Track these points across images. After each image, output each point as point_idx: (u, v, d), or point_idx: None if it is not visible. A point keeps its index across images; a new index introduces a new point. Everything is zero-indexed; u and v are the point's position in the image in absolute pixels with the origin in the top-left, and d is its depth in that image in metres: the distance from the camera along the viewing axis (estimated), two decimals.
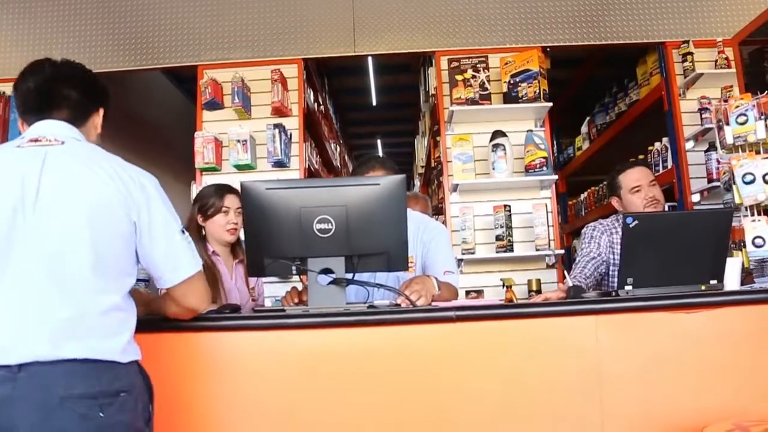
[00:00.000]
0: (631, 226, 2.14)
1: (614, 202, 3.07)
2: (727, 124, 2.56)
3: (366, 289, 2.11)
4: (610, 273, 2.92)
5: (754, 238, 2.40)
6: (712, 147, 4.11)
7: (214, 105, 4.38)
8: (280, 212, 2.00)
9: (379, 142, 10.70)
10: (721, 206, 3.03)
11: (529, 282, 4.04)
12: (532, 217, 4.18)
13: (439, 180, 4.91)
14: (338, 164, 7.41)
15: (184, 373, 1.81)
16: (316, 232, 1.98)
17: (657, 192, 2.92)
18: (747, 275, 2.48)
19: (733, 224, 2.37)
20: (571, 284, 2.34)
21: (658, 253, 2.18)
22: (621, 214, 2.98)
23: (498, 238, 4.14)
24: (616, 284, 2.82)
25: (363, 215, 2.01)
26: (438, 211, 5.17)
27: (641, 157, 4.69)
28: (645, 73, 5.08)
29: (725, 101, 2.62)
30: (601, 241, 2.93)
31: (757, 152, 2.51)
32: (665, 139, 4.59)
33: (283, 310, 2.01)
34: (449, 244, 2.78)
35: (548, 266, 4.25)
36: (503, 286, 4.02)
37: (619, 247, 2.87)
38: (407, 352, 1.83)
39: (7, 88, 4.42)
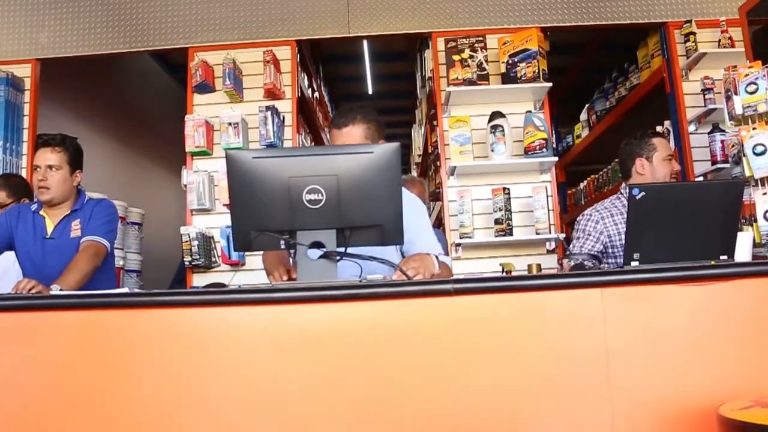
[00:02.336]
0: (637, 197, 2.02)
1: (639, 163, 2.90)
2: (736, 93, 2.45)
3: (358, 264, 1.99)
4: (610, 253, 2.83)
5: (766, 212, 2.30)
6: (715, 129, 4.02)
7: (205, 88, 4.27)
8: (268, 182, 1.89)
9: None
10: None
11: (530, 267, 3.93)
12: (532, 200, 4.08)
13: (437, 165, 4.80)
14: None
15: (165, 350, 1.70)
16: (306, 203, 1.87)
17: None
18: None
19: (744, 199, 2.27)
20: (572, 263, 2.24)
21: (665, 227, 2.08)
22: (624, 189, 2.89)
23: (497, 222, 4.04)
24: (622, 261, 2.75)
25: (355, 185, 1.89)
26: (435, 197, 5.06)
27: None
28: (646, 55, 4.98)
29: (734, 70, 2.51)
30: (600, 225, 2.85)
31: (767, 123, 2.41)
32: (667, 123, 4.50)
33: (272, 285, 1.90)
34: (429, 222, 2.65)
35: (549, 251, 4.14)
36: (503, 271, 3.92)
37: (620, 226, 2.78)
38: (403, 327, 1.72)
39: None
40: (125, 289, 2.07)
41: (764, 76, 2.39)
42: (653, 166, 2.88)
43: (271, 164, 1.90)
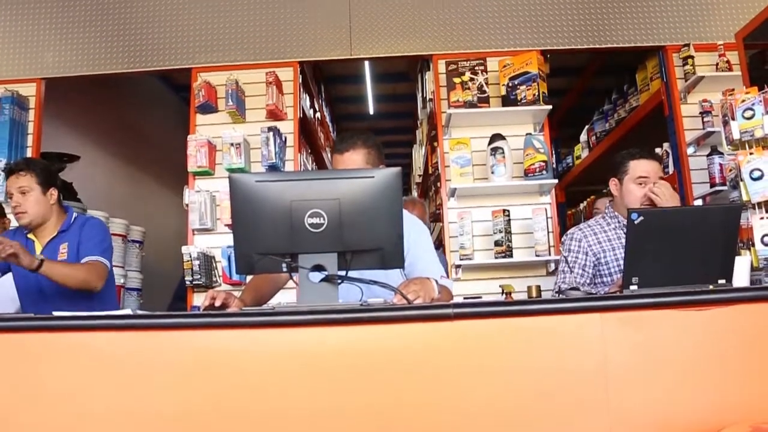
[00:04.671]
0: (636, 222, 2.05)
1: (612, 184, 2.82)
2: (733, 119, 2.48)
3: (359, 287, 2.01)
4: (602, 272, 2.81)
5: (763, 236, 2.32)
6: (714, 151, 4.05)
7: (208, 108, 4.31)
8: (270, 206, 1.91)
9: None
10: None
11: (529, 289, 3.91)
12: (532, 222, 4.10)
13: (437, 186, 4.83)
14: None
15: (163, 372, 1.71)
16: (308, 226, 1.88)
17: (658, 191, 2.70)
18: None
19: (741, 223, 2.29)
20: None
21: (664, 251, 2.09)
22: (608, 208, 2.87)
23: (497, 243, 4.05)
24: (609, 280, 2.74)
25: (356, 209, 1.91)
26: (436, 218, 5.08)
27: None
28: (645, 78, 5.03)
29: (731, 96, 2.54)
30: (584, 243, 2.80)
31: (764, 147, 2.43)
32: (666, 145, 4.53)
33: (273, 308, 1.91)
34: (431, 243, 2.67)
35: (548, 273, 4.15)
36: (502, 293, 3.92)
37: (604, 244, 2.77)
38: (403, 351, 1.73)
39: None
40: (127, 311, 2.07)
41: (761, 101, 2.42)
42: (623, 188, 2.77)
43: (273, 188, 1.92)
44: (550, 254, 4.04)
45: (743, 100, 2.44)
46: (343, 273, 1.92)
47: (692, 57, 4.31)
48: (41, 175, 2.99)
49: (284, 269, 1.95)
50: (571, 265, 2.79)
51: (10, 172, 2.98)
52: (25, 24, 4.59)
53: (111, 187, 6.17)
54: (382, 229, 1.95)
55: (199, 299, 4.13)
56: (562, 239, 2.95)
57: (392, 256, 1.97)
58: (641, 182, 2.71)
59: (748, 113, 2.42)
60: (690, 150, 4.30)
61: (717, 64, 4.28)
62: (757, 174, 2.35)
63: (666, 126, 4.50)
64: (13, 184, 2.95)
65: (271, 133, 4.14)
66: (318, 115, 6.01)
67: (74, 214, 3.10)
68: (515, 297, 3.91)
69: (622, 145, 5.48)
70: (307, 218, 1.88)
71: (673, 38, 4.49)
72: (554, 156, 6.91)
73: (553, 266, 4.12)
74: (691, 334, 1.76)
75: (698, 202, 4.11)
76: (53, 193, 3.03)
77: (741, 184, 2.42)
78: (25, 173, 2.96)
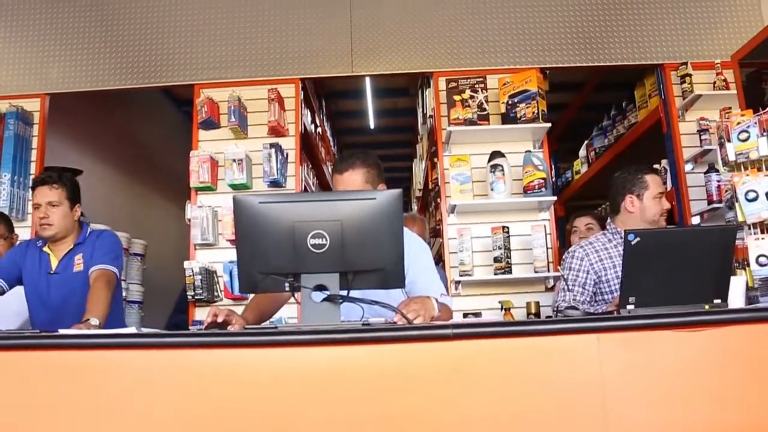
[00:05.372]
0: (633, 243, 2.08)
1: (629, 200, 2.86)
2: (729, 141, 2.52)
3: (360, 307, 2.04)
4: (603, 290, 2.84)
5: (758, 256, 2.35)
6: (711, 168, 4.08)
7: (210, 124, 4.35)
8: (274, 227, 1.95)
9: None
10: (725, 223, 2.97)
11: (528, 305, 3.96)
12: (531, 238, 4.14)
13: (437, 202, 4.87)
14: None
15: (166, 390, 1.74)
16: (310, 247, 1.92)
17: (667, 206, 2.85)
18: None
19: (737, 243, 2.33)
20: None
21: (660, 271, 2.13)
22: (610, 226, 2.91)
23: (496, 260, 4.09)
24: (610, 297, 2.78)
25: (358, 230, 1.95)
26: (436, 233, 5.12)
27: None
28: (643, 95, 5.08)
29: (727, 118, 2.58)
30: (587, 266, 2.84)
31: (759, 169, 2.48)
32: (664, 161, 4.57)
33: (275, 327, 1.95)
34: (432, 261, 2.71)
35: (547, 289, 4.19)
36: (501, 308, 3.95)
37: (605, 262, 2.80)
38: (404, 370, 1.76)
39: (3, 105, 4.41)
40: (132, 329, 2.11)
41: (755, 123, 2.47)
42: (643, 205, 2.84)
43: (277, 209, 1.96)
44: (548, 270, 4.08)
45: (739, 123, 2.49)
46: (344, 293, 1.95)
47: (690, 75, 4.35)
48: (71, 191, 3.06)
49: (287, 288, 1.99)
50: (570, 284, 2.82)
51: (41, 182, 3.02)
52: (30, 40, 4.64)
53: (112, 200, 6.20)
54: (383, 250, 1.99)
55: (200, 314, 4.15)
56: (563, 257, 2.98)
57: (393, 276, 2.01)
58: (660, 196, 2.83)
59: (744, 135, 2.47)
60: (688, 167, 4.34)
61: (714, 83, 4.33)
62: (752, 195, 2.39)
63: (664, 143, 4.55)
64: (43, 196, 2.98)
65: (273, 150, 4.19)
66: (319, 129, 6.06)
67: (89, 229, 3.16)
68: (514, 312, 3.94)
69: (621, 161, 5.53)
70: (309, 239, 1.92)
71: (670, 56, 4.54)
72: (554, 170, 6.97)
73: (552, 282, 4.15)
74: (687, 354, 1.79)
75: (696, 219, 4.14)
76: (77, 209, 3.10)
77: (737, 204, 2.46)
78: (58, 187, 3.00)
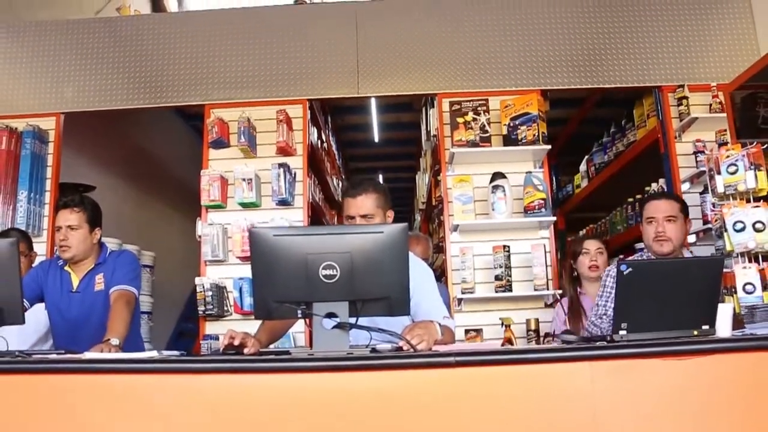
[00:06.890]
0: (625, 273, 2.20)
1: (641, 227, 3.10)
2: (719, 173, 2.65)
3: (369, 333, 2.17)
4: None
5: (745, 284, 2.47)
6: (707, 190, 4.19)
7: (221, 144, 4.48)
8: (287, 258, 2.08)
9: (380, 177, 10.83)
10: (715, 250, 3.09)
11: (528, 321, 4.09)
12: (531, 257, 4.26)
13: (440, 219, 4.99)
14: (340, 199, 7.50)
15: (177, 415, 1.85)
16: (322, 277, 2.06)
17: (671, 228, 2.90)
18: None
19: (725, 268, 2.45)
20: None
21: (651, 299, 2.24)
22: (644, 250, 3.08)
23: (497, 277, 4.21)
24: None
25: (366, 262, 2.08)
26: (439, 250, 5.24)
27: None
28: (642, 114, 5.19)
29: (720, 146, 2.70)
30: None
31: (747, 200, 2.60)
32: (662, 180, 4.68)
33: (288, 353, 2.08)
34: (435, 285, 2.84)
35: (546, 305, 4.30)
36: (502, 325, 4.06)
37: None
38: (409, 395, 1.88)
39: (21, 125, 4.55)
40: (153, 353, 2.23)
41: (744, 157, 2.59)
42: (643, 229, 3.04)
43: (290, 242, 2.10)
44: (548, 288, 4.20)
45: (728, 156, 2.61)
46: (353, 320, 2.09)
47: (686, 98, 4.47)
48: (91, 215, 3.18)
49: (299, 315, 2.12)
50: (604, 300, 3.01)
51: (64, 206, 3.15)
52: (46, 61, 4.78)
53: (122, 214, 6.33)
54: (389, 280, 2.13)
55: (211, 328, 4.28)
56: (605, 273, 3.17)
57: (399, 303, 2.15)
58: (650, 221, 2.97)
59: (732, 168, 2.59)
60: (684, 187, 4.44)
61: (710, 105, 4.44)
62: (739, 226, 2.51)
63: (662, 162, 4.66)
64: (65, 219, 3.11)
65: (282, 170, 4.32)
66: (324, 144, 6.19)
67: (108, 250, 3.29)
68: (514, 329, 4.05)
69: (620, 177, 5.66)
70: (321, 270, 2.06)
71: (668, 79, 4.65)
72: (555, 183, 7.09)
73: (551, 299, 4.27)
74: (675, 381, 1.90)
75: (692, 238, 4.25)
76: (97, 232, 3.22)
77: (725, 234, 2.58)
78: (79, 210, 3.13)
